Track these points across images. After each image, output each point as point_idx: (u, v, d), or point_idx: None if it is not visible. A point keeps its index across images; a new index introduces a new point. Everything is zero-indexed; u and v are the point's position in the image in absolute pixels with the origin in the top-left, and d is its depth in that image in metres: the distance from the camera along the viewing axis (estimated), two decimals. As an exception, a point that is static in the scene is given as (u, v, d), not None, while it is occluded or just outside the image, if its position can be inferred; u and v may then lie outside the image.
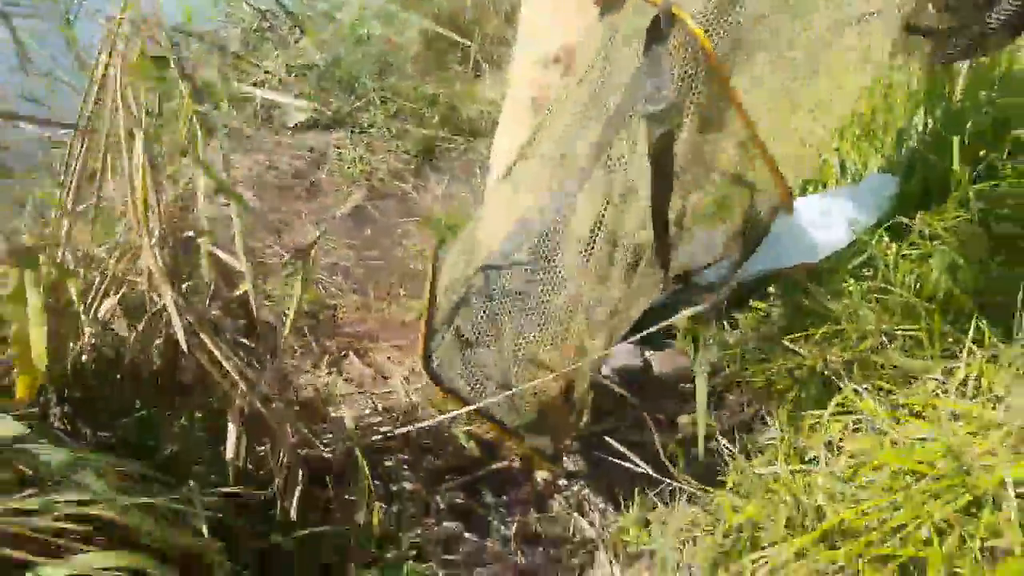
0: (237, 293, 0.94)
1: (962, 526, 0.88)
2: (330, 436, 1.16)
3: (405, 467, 1.25)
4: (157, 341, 0.91)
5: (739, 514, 1.04)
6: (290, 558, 0.92)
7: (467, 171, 2.65)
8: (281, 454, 0.95)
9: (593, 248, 1.10)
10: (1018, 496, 0.85)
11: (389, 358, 1.59)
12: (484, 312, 1.14)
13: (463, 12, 3.28)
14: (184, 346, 0.85)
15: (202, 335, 0.85)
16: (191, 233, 0.95)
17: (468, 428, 1.32)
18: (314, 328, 1.66)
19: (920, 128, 1.81)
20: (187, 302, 0.87)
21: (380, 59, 2.97)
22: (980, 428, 0.99)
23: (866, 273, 1.50)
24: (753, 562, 1.00)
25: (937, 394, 1.13)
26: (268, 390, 0.90)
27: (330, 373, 1.50)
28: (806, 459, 1.14)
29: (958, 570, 0.86)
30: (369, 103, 2.77)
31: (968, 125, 1.64)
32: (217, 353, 0.85)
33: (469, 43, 3.13)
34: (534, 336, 1.12)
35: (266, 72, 2.73)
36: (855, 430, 1.14)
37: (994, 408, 1.03)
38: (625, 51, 1.13)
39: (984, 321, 1.23)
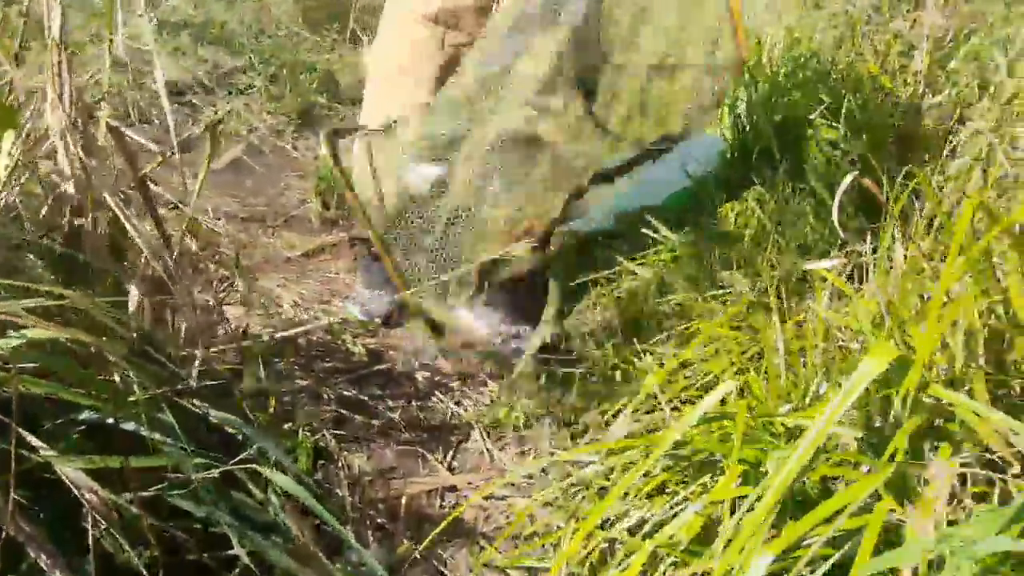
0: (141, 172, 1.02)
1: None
2: (223, 336, 1.25)
3: (297, 368, 1.36)
4: (63, 220, 0.98)
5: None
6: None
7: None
8: (183, 324, 1.04)
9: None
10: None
11: (278, 286, 1.68)
12: None
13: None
14: (89, 219, 0.93)
15: (111, 203, 0.93)
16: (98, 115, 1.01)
17: (356, 334, 1.45)
18: (199, 258, 1.71)
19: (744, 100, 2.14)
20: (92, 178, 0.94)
21: (255, 21, 3.00)
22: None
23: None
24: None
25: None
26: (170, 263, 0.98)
27: (219, 295, 1.56)
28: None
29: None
30: (248, 66, 2.79)
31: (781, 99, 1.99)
32: (124, 221, 0.93)
33: (346, 13, 3.22)
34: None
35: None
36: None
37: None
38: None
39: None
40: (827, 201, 1.57)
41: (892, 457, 0.66)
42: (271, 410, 1.19)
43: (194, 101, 2.61)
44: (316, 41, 3.15)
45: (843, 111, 1.77)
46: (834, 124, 1.79)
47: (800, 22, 2.25)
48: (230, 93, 2.71)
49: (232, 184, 2.25)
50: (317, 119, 2.82)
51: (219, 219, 1.98)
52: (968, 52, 1.94)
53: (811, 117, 1.90)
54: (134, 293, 0.95)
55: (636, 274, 1.49)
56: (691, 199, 1.91)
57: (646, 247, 1.75)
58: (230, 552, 0.80)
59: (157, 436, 0.79)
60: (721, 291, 1.36)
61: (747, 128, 2.02)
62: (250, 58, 2.79)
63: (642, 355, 1.31)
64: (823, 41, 2.15)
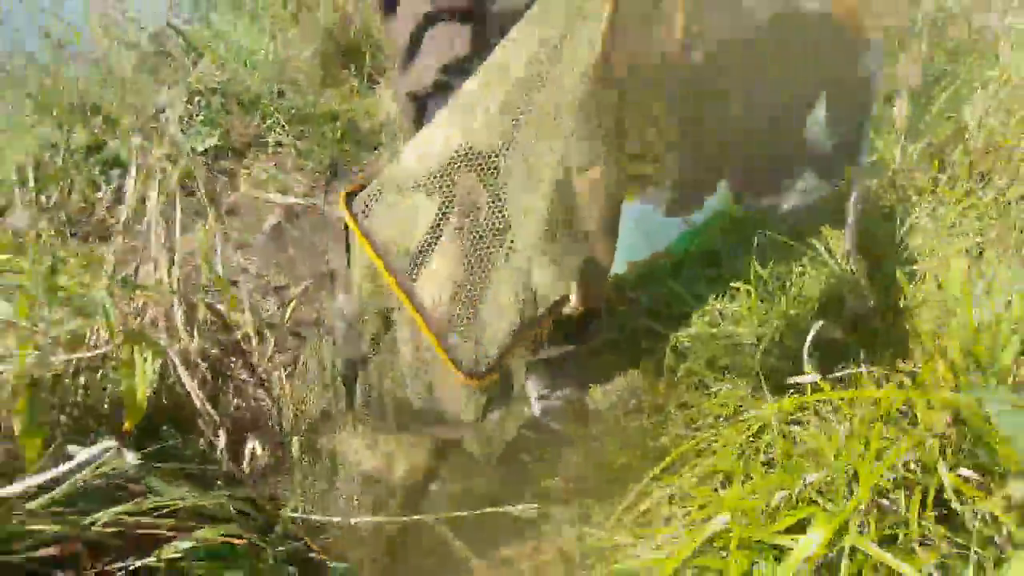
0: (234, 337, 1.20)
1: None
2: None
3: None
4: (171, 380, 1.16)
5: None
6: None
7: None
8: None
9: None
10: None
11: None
12: None
13: (350, 24, 3.48)
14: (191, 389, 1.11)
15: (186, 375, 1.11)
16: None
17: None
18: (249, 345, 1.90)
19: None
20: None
21: (277, 78, 3.14)
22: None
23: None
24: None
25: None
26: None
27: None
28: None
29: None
30: (274, 123, 2.95)
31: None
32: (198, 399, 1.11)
33: (361, 56, 3.35)
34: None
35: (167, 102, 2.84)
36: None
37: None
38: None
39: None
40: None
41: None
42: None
43: (230, 166, 2.79)
44: (335, 89, 3.29)
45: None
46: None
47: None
48: (262, 153, 2.88)
49: (275, 251, 2.43)
50: (344, 170, 2.98)
51: (269, 296, 2.17)
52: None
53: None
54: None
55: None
56: (697, 240, 2.06)
57: (661, 301, 1.91)
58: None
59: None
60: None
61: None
62: (277, 118, 2.95)
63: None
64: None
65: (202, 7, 3.30)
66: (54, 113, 2.61)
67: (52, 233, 2.38)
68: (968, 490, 0.87)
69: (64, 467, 0.73)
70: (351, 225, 1.09)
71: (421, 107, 1.28)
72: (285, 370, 1.76)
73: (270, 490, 1.16)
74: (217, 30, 3.18)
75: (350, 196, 1.12)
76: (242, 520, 0.93)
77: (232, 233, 2.46)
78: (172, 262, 1.09)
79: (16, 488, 0.68)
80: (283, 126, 2.97)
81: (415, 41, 1.23)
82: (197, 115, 2.85)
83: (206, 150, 2.78)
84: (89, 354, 0.96)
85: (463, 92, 1.00)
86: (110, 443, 0.76)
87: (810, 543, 0.79)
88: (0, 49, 2.90)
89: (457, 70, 1.19)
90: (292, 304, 2.11)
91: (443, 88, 1.24)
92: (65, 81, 2.70)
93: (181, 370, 1.06)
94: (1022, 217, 1.55)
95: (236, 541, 0.85)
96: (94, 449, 0.75)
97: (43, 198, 2.45)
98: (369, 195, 1.07)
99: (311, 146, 2.94)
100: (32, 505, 0.70)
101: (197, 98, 2.91)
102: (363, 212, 1.07)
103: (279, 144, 2.92)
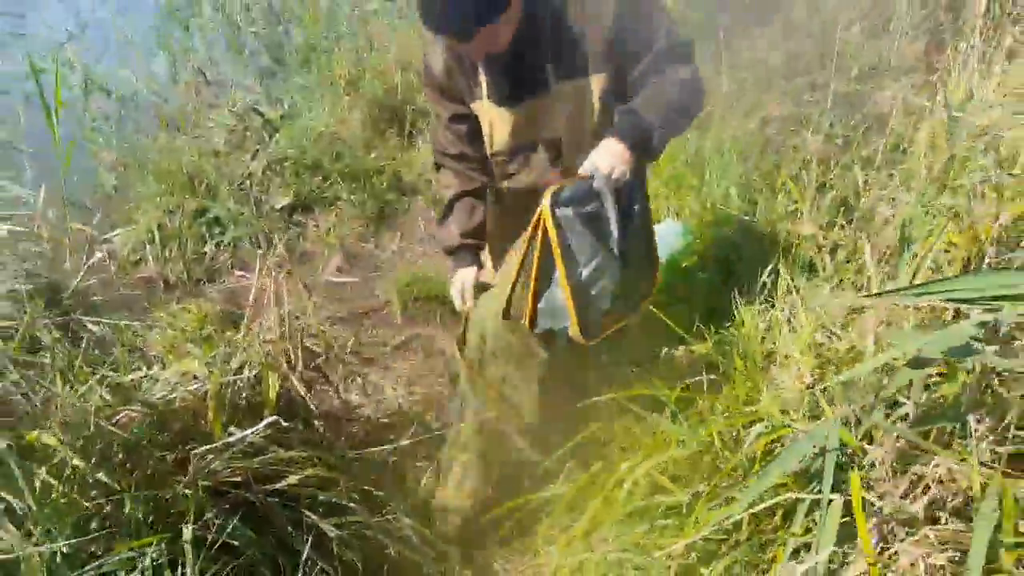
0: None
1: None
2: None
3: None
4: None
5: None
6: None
7: (412, 227, 3.62)
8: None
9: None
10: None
11: (381, 378, 2.56)
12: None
13: (395, 91, 4.20)
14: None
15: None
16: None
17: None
18: (327, 364, 2.61)
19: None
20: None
21: (334, 143, 3.89)
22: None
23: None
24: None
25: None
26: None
27: (343, 391, 2.46)
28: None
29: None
30: (333, 182, 3.69)
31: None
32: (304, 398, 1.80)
33: (402, 117, 4.08)
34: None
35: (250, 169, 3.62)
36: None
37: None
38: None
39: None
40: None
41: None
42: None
43: (300, 219, 3.54)
44: (382, 146, 4.02)
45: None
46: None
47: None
48: (324, 207, 3.62)
49: (336, 288, 3.16)
50: (390, 214, 3.70)
51: (335, 324, 2.89)
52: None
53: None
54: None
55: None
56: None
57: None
58: None
59: None
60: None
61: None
62: (335, 176, 3.69)
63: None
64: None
65: (274, 92, 4.08)
66: (170, 184, 3.41)
67: (174, 280, 3.18)
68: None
69: (241, 434, 1.42)
70: (545, 216, 1.42)
71: None
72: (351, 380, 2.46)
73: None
74: (287, 110, 3.95)
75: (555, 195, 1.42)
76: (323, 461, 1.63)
77: (305, 275, 3.20)
78: (282, 313, 1.78)
79: (218, 444, 1.38)
80: (340, 182, 3.71)
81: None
82: (274, 179, 3.61)
83: (283, 208, 3.54)
84: (237, 377, 1.65)
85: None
86: (271, 419, 1.44)
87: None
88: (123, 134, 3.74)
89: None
90: (355, 335, 2.82)
91: None
92: (176, 158, 3.50)
93: (294, 382, 1.74)
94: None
95: (323, 474, 1.53)
96: (260, 425, 1.44)
97: (166, 252, 3.24)
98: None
99: (363, 197, 3.67)
100: (226, 454, 1.39)
101: (274, 165, 3.68)
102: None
103: (338, 198, 3.66)
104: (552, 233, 1.42)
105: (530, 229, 1.47)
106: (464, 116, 1.68)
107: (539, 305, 1.54)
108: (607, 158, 1.42)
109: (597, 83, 1.54)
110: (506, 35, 1.45)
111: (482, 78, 1.58)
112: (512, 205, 1.76)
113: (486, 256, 1.94)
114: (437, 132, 1.77)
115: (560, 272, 1.45)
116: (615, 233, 1.47)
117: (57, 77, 2.03)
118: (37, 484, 1.31)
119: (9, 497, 1.27)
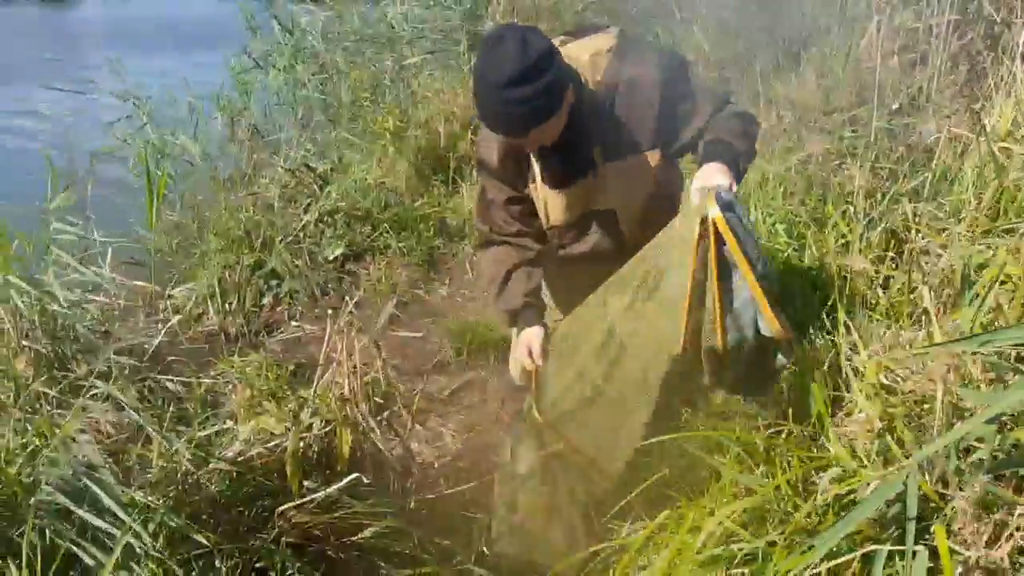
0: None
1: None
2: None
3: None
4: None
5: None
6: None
7: (460, 272, 3.71)
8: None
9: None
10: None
11: (440, 424, 2.62)
12: None
13: (439, 141, 4.34)
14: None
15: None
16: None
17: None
18: (389, 408, 2.68)
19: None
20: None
21: (382, 193, 4.02)
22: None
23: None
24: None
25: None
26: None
27: (405, 436, 2.52)
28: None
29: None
30: (382, 231, 3.81)
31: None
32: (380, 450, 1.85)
33: (447, 165, 4.20)
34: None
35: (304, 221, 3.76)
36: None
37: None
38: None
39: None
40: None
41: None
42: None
43: (353, 269, 3.66)
44: (427, 194, 4.14)
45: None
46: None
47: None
48: (374, 256, 3.74)
49: (390, 335, 3.24)
50: (438, 260, 3.80)
51: (392, 371, 2.96)
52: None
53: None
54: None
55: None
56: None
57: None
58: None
59: None
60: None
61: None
62: (384, 226, 3.81)
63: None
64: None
65: (324, 146, 4.25)
66: (229, 240, 3.56)
67: (234, 332, 3.30)
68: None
69: (326, 491, 1.48)
70: (719, 221, 1.32)
71: None
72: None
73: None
74: (336, 164, 4.11)
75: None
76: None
77: (360, 323, 3.29)
78: (353, 371, 1.86)
79: (303, 500, 1.46)
80: (389, 231, 3.82)
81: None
82: (326, 231, 3.75)
83: (335, 258, 3.67)
84: (312, 432, 1.73)
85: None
86: (353, 476, 1.49)
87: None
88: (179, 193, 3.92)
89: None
90: (420, 386, 2.89)
91: None
92: (233, 215, 3.66)
93: (373, 439, 1.81)
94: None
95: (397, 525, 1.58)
96: (343, 481, 1.51)
97: (227, 305, 3.38)
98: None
99: (411, 244, 3.77)
100: (307, 508, 1.46)
101: (326, 217, 3.81)
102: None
103: (387, 246, 3.77)
104: (730, 237, 1.33)
105: (695, 244, 1.38)
106: (520, 199, 1.76)
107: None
108: (718, 175, 1.41)
109: (652, 158, 1.61)
110: (557, 129, 1.52)
111: (535, 163, 1.66)
112: (569, 268, 1.83)
113: (549, 313, 1.92)
114: (490, 213, 1.81)
115: (745, 271, 1.36)
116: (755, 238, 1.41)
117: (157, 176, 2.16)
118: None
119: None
